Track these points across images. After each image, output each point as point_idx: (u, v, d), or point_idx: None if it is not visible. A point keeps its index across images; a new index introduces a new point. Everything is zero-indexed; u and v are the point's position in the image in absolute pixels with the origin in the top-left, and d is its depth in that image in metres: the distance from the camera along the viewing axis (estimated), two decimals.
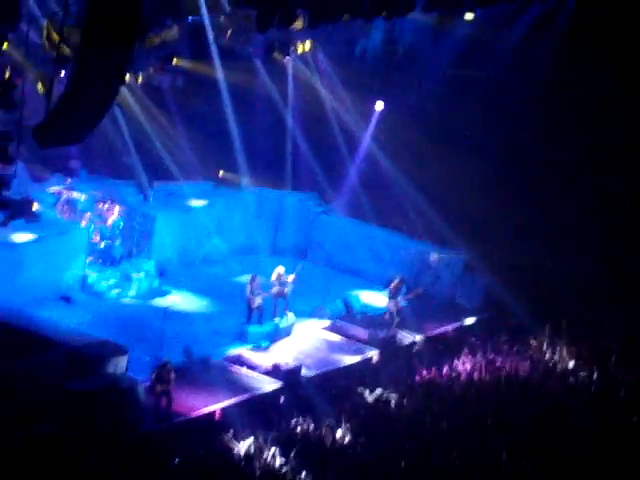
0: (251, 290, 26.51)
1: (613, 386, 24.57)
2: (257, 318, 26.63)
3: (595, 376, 25.06)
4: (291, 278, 26.98)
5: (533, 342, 27.21)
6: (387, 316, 27.76)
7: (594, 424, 22.42)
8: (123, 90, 25.90)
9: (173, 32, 24.10)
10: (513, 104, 31.13)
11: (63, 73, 21.80)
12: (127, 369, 22.48)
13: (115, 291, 28.10)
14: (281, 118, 32.24)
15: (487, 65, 31.89)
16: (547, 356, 26.33)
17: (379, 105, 32.55)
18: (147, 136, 30.20)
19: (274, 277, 27.22)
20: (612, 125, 30.85)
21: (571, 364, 25.75)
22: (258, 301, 26.55)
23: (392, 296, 27.94)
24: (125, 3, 17.44)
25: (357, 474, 20.07)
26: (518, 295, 28.12)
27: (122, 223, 29.33)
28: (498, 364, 25.88)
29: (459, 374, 25.42)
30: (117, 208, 29.06)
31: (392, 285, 28.03)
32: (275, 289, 26.89)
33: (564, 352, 26.36)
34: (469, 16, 29.97)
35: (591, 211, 30.59)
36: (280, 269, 27.30)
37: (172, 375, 22.30)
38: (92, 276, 28.02)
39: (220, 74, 29.11)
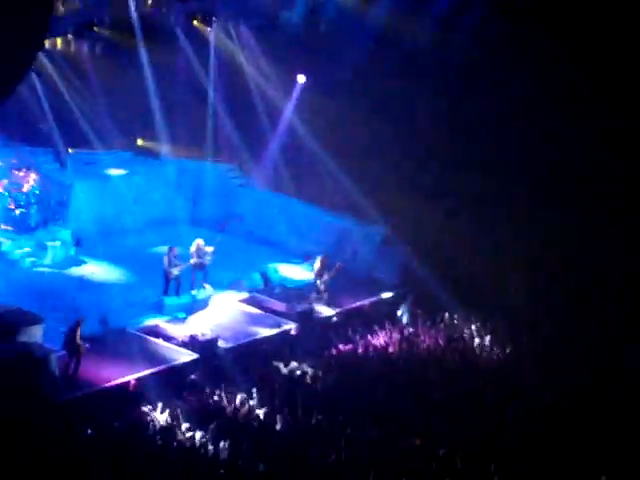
0: (168, 261, 26.36)
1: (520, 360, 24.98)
2: (174, 289, 26.51)
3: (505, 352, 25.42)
4: (210, 250, 26.90)
5: (447, 318, 27.47)
6: (314, 295, 27.76)
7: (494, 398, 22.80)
8: (41, 56, 25.50)
9: None
10: (434, 78, 31.22)
11: None
12: (41, 338, 22.23)
13: (30, 259, 27.74)
14: (203, 89, 31.95)
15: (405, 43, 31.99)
16: (460, 331, 26.57)
17: (301, 78, 32.46)
18: (65, 103, 29.76)
19: (193, 249, 27.11)
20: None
21: (483, 340, 26.04)
22: (175, 272, 26.41)
23: (318, 275, 28.02)
24: None
25: (270, 446, 20.09)
26: (436, 271, 28.34)
27: (38, 191, 28.93)
28: (412, 339, 26.09)
29: (375, 348, 25.59)
30: (33, 175, 28.65)
31: (316, 265, 28.11)
32: (193, 260, 26.79)
33: (477, 328, 26.61)
34: None
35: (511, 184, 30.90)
36: (199, 241, 27.20)
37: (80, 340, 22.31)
38: (6, 244, 27.62)
39: (140, 43, 28.79)
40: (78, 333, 22.37)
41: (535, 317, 27.41)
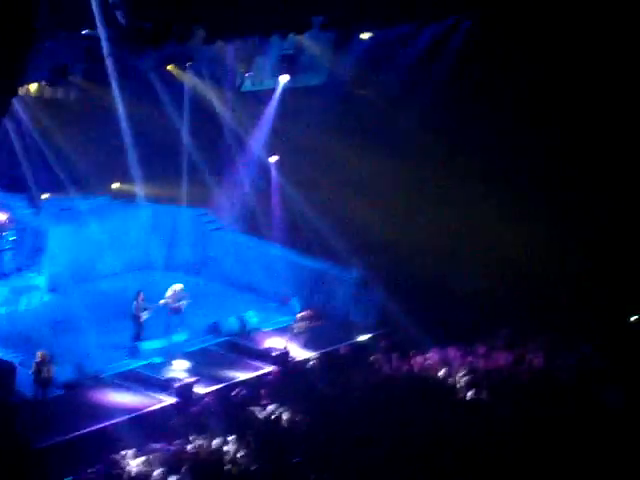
0: (137, 306, 26.34)
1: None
2: (138, 333, 26.51)
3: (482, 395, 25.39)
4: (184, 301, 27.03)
5: (422, 359, 27.44)
6: (290, 337, 27.77)
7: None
8: (15, 102, 25.44)
9: None
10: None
11: None
12: (15, 384, 22.05)
13: (4, 306, 27.56)
14: (177, 132, 31.94)
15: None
16: (438, 373, 26.53)
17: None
18: (40, 148, 29.69)
19: (169, 294, 27.12)
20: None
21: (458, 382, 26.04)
22: (144, 317, 26.38)
23: (297, 321, 28.07)
24: (17, 14, 17.23)
25: None
26: (413, 312, 28.34)
27: (13, 237, 28.81)
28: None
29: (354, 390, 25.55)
30: (6, 218, 28.56)
31: (299, 315, 28.16)
32: (165, 302, 26.80)
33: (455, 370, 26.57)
34: (365, 35, 30.41)
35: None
36: (176, 286, 27.23)
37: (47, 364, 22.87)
38: None
39: (115, 88, 28.82)
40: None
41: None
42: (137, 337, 26.55)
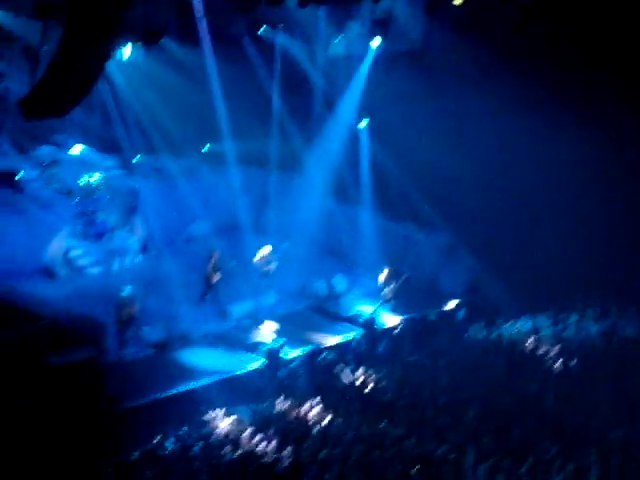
0: (210, 266, 26.47)
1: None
2: (206, 294, 26.81)
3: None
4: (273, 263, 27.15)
5: (512, 327, 27.20)
6: (380, 303, 27.73)
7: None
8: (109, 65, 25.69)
9: None
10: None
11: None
12: (108, 345, 22.44)
13: (97, 265, 27.99)
14: (269, 97, 31.99)
15: None
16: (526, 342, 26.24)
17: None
18: (132, 111, 29.97)
19: (259, 256, 27.32)
20: None
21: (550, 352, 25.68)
22: (216, 277, 26.54)
23: (385, 283, 27.99)
24: None
25: (336, 454, 20.06)
26: (501, 278, 28.10)
27: (107, 197, 29.21)
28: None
29: (439, 357, 25.47)
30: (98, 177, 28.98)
31: (383, 274, 28.09)
32: (259, 266, 26.99)
33: (543, 339, 26.24)
34: (458, 1, 29.80)
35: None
36: (265, 249, 27.40)
37: (134, 306, 23.89)
38: (74, 250, 27.90)
39: (208, 53, 28.94)
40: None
41: None
42: (203, 296, 26.81)
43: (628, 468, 19.23)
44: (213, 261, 26.90)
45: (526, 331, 26.80)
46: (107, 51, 19.59)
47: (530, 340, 26.10)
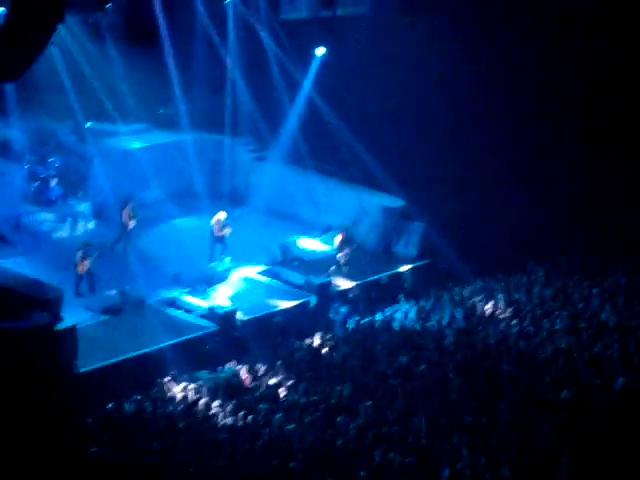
0: (125, 215, 27.29)
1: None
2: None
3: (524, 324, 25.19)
4: (227, 229, 27.20)
5: (464, 291, 27.44)
6: (333, 267, 27.84)
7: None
8: (60, 28, 25.46)
9: None
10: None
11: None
12: (61, 310, 22.35)
13: (50, 231, 27.86)
14: (221, 62, 31.85)
15: None
16: (480, 305, 26.47)
17: (320, 50, 32.31)
18: (84, 76, 29.75)
19: (213, 222, 27.36)
20: None
21: (503, 314, 25.90)
22: (132, 225, 27.28)
23: (339, 248, 28.11)
24: None
25: (287, 416, 20.20)
26: (455, 243, 28.30)
27: (58, 163, 29.02)
28: (432, 312, 26.09)
29: (393, 321, 25.65)
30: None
31: (337, 239, 28.19)
32: (214, 232, 27.08)
33: (496, 302, 26.47)
34: None
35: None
36: (220, 215, 27.42)
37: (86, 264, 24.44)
38: (28, 215, 27.75)
39: (160, 18, 28.83)
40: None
41: None
42: (116, 241, 27.31)
43: (576, 428, 19.54)
44: (128, 209, 27.28)
45: (479, 294, 27.00)
46: (58, 15, 19.38)
47: (483, 303, 26.33)
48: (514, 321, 24.88)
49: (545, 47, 32.00)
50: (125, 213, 27.35)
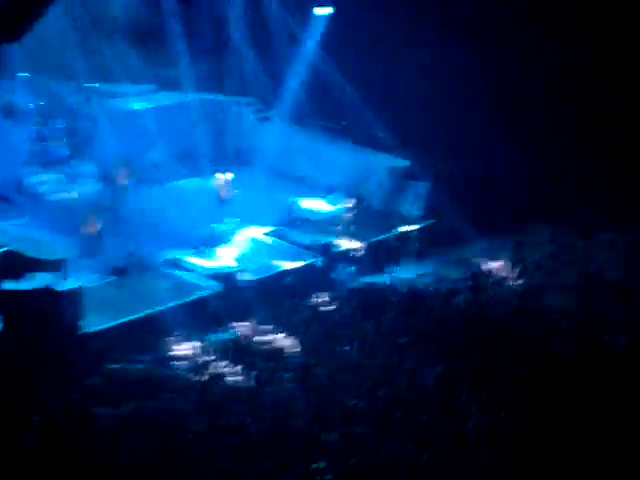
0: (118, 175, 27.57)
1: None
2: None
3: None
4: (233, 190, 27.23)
5: (470, 251, 27.44)
6: (339, 228, 27.84)
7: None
8: None
9: None
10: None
11: None
12: (67, 271, 22.42)
13: (55, 192, 27.88)
14: (225, 23, 31.71)
15: None
16: (485, 265, 26.47)
17: (325, 9, 32.12)
18: (91, 37, 29.69)
19: (218, 183, 27.34)
20: None
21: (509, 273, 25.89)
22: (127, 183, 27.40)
23: (346, 211, 28.12)
24: None
25: (296, 375, 20.28)
26: (460, 203, 28.26)
27: (64, 124, 28.99)
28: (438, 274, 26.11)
29: (400, 281, 25.68)
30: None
31: (345, 204, 28.17)
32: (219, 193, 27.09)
33: (502, 262, 26.45)
34: None
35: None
36: (225, 176, 27.41)
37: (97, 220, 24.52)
38: (32, 177, 27.75)
39: None
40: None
41: None
42: (117, 201, 27.45)
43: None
44: (122, 168, 27.65)
45: (484, 254, 27.01)
46: None
47: (489, 262, 26.35)
48: (520, 280, 24.94)
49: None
50: (119, 172, 27.34)
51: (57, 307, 21.30)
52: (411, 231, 28.75)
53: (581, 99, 31.50)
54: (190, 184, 29.79)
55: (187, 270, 25.11)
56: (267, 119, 32.76)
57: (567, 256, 26.37)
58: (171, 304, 23.00)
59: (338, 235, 27.62)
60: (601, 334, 22.04)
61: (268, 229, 28.00)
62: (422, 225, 29.08)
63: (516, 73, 31.14)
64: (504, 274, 25.74)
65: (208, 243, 26.42)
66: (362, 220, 28.34)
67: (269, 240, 27.49)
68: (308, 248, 26.99)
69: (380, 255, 27.45)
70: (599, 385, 19.69)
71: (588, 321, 22.60)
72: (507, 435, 18.22)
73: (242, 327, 22.85)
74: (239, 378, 20.31)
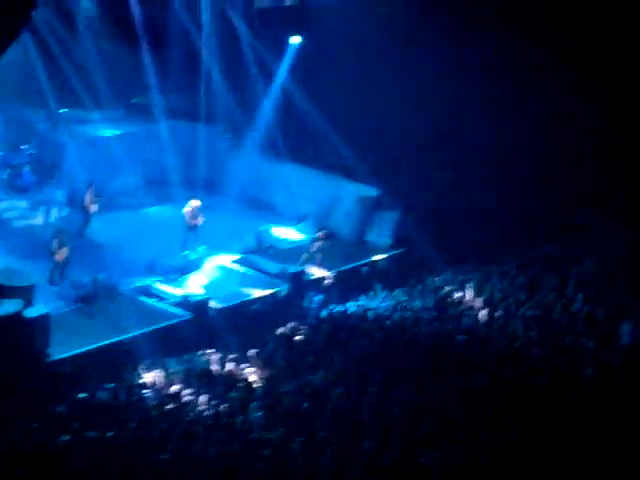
0: (86, 199, 27.54)
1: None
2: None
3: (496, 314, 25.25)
4: (200, 217, 27.18)
5: (437, 281, 27.50)
6: (307, 256, 27.81)
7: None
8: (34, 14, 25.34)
9: None
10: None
11: None
12: (34, 297, 22.29)
13: (23, 219, 27.76)
14: (196, 50, 31.75)
15: None
16: (451, 295, 26.53)
17: (295, 39, 32.28)
18: (58, 62, 29.62)
19: (186, 210, 27.31)
20: None
21: (475, 303, 25.95)
22: (94, 209, 27.39)
23: (313, 240, 28.13)
24: None
25: (261, 405, 20.23)
26: (429, 232, 28.36)
27: (31, 150, 28.90)
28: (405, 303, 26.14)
29: (367, 310, 25.69)
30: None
31: (315, 235, 28.20)
32: (187, 220, 27.04)
33: (469, 292, 26.51)
34: None
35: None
36: (193, 203, 27.38)
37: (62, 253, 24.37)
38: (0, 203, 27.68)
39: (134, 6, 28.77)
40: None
41: None
42: (84, 227, 27.45)
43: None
44: (89, 194, 27.39)
45: (452, 284, 27.07)
46: (30, 2, 19.33)
47: (456, 292, 26.41)
48: (485, 310, 25.02)
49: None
50: (87, 198, 27.30)
51: (24, 334, 21.14)
52: (380, 260, 28.85)
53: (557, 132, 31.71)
54: (159, 211, 29.75)
55: (155, 297, 25.05)
56: (237, 146, 32.80)
57: (534, 286, 26.46)
58: (139, 331, 22.91)
59: (307, 263, 27.64)
60: (566, 364, 22.16)
61: (237, 257, 28.01)
62: (391, 254, 29.19)
63: (490, 102, 31.28)
64: (470, 304, 25.81)
65: (177, 270, 26.37)
66: (331, 248, 28.35)
67: (238, 268, 27.48)
68: (277, 276, 27.01)
69: (349, 284, 27.47)
70: (566, 417, 19.81)
71: (552, 352, 22.73)
72: (470, 467, 18.25)
73: (210, 355, 22.75)
74: (205, 407, 20.19)
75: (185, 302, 24.61)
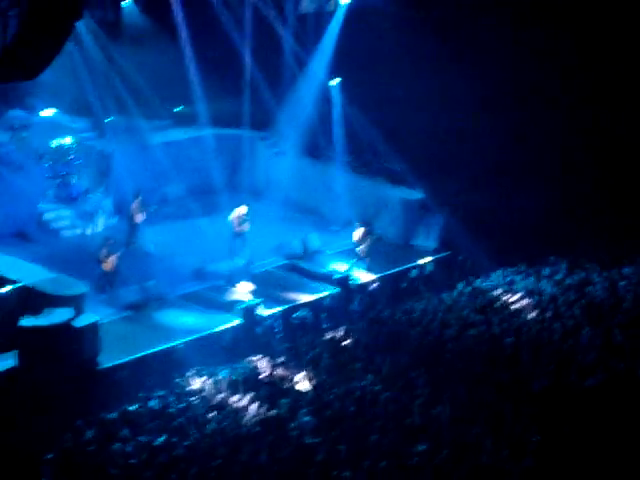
0: (133, 208, 27.48)
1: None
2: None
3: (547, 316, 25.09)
4: (246, 224, 27.27)
5: (485, 283, 27.37)
6: (354, 261, 27.81)
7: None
8: (79, 25, 25.58)
9: None
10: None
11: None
12: (84, 306, 22.46)
13: (72, 228, 28.00)
14: (240, 57, 31.86)
15: None
16: (500, 298, 26.37)
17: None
18: (106, 71, 29.86)
19: (233, 217, 27.41)
20: None
21: (524, 305, 25.78)
22: (140, 219, 27.53)
23: (359, 241, 28.08)
24: None
25: (314, 411, 20.22)
26: (475, 234, 28.25)
27: (80, 160, 29.15)
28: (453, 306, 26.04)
29: (414, 313, 25.62)
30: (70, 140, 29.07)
31: (357, 232, 28.14)
32: (234, 227, 27.11)
33: (517, 294, 26.35)
34: None
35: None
36: (240, 209, 27.48)
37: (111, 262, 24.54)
38: (49, 213, 27.88)
39: (177, 16, 28.92)
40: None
41: None
42: (131, 236, 27.54)
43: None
44: (136, 203, 27.52)
45: (500, 286, 26.93)
46: (77, 11, 19.45)
47: (505, 294, 26.26)
48: (534, 312, 24.85)
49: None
50: (134, 206, 27.46)
51: (74, 343, 21.31)
52: (426, 263, 28.77)
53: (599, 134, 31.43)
54: (206, 218, 29.87)
55: (203, 304, 25.14)
56: (282, 152, 32.87)
57: (583, 289, 26.25)
58: (188, 338, 23.01)
59: (354, 268, 27.64)
60: (619, 365, 21.95)
61: (283, 262, 28.05)
62: (437, 257, 29.11)
63: (534, 103, 31.09)
64: (519, 305, 25.64)
65: (225, 277, 26.46)
66: (377, 253, 28.34)
67: (285, 273, 27.51)
68: (324, 281, 27.03)
69: (396, 287, 27.42)
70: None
71: (605, 352, 22.50)
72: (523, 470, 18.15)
73: (259, 361, 22.80)
74: (255, 413, 20.22)
75: (235, 308, 24.66)
